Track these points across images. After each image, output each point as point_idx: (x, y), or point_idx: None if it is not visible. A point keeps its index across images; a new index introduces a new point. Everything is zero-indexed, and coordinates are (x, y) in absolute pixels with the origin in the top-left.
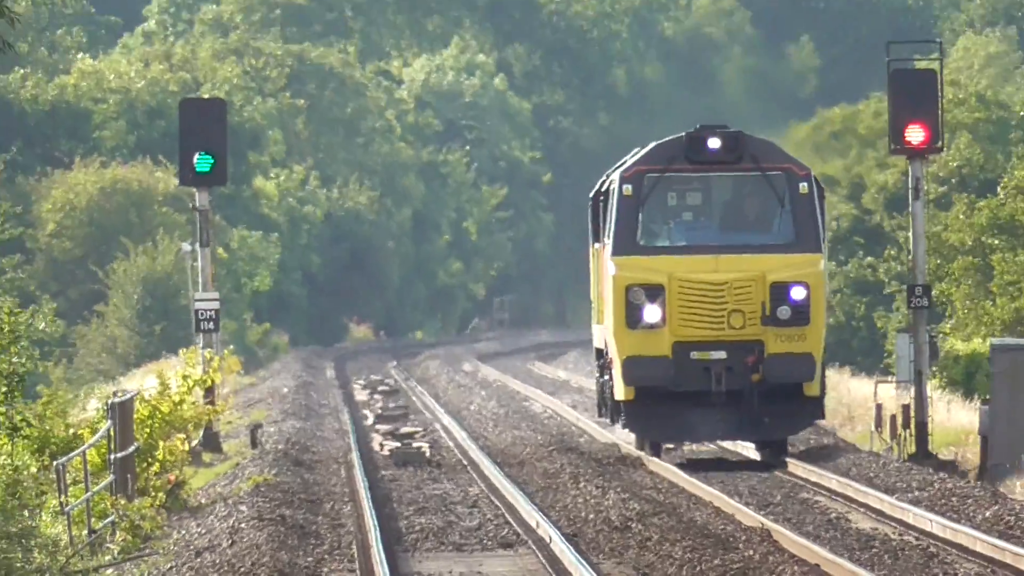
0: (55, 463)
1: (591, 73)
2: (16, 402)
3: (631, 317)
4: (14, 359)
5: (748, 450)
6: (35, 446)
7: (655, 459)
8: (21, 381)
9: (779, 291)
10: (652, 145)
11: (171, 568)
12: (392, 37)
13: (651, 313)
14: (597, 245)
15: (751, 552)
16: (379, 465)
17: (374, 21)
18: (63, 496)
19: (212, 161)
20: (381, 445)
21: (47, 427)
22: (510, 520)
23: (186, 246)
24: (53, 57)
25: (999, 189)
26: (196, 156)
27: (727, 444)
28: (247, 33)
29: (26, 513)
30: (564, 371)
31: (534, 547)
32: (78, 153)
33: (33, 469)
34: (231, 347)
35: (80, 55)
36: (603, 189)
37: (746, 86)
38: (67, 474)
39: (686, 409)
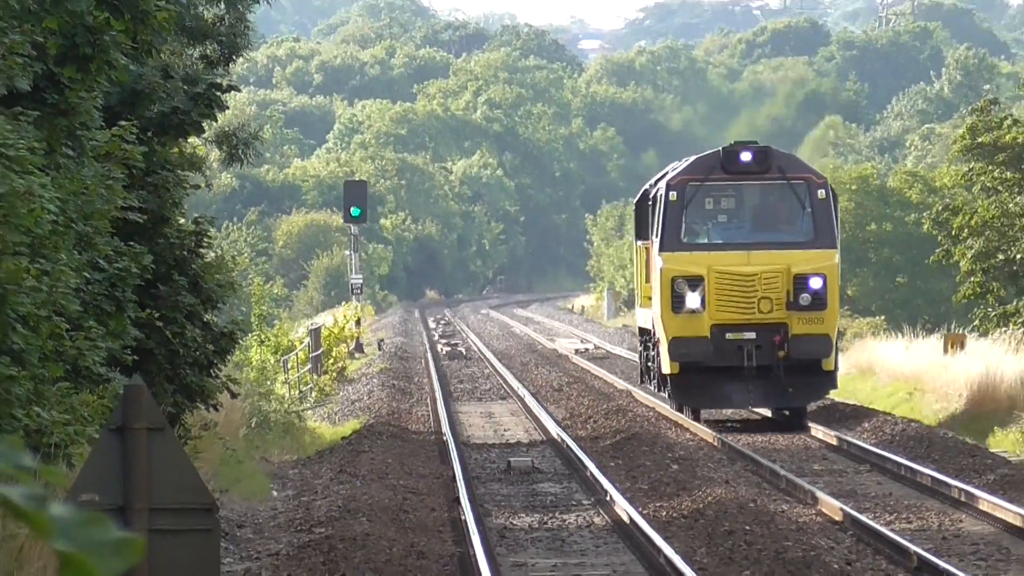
0: (282, 358)
1: (543, 168)
2: (264, 328)
3: (676, 303)
4: (263, 307)
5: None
6: (272, 349)
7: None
8: (265, 318)
9: (801, 281)
10: (692, 158)
11: (339, 409)
12: (448, 150)
13: (693, 300)
14: (640, 243)
15: (622, 401)
16: (441, 358)
17: (440, 143)
18: (286, 374)
19: (359, 211)
20: (441, 348)
21: (279, 340)
22: (504, 386)
23: (347, 252)
24: (281, 159)
25: None
26: (352, 208)
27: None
28: (376, 149)
29: (267, 382)
30: (530, 313)
31: (516, 399)
32: (294, 206)
33: (272, 361)
34: (367, 301)
35: (295, 159)
36: (650, 196)
37: (619, 177)
38: (288, 363)
39: (722, 381)
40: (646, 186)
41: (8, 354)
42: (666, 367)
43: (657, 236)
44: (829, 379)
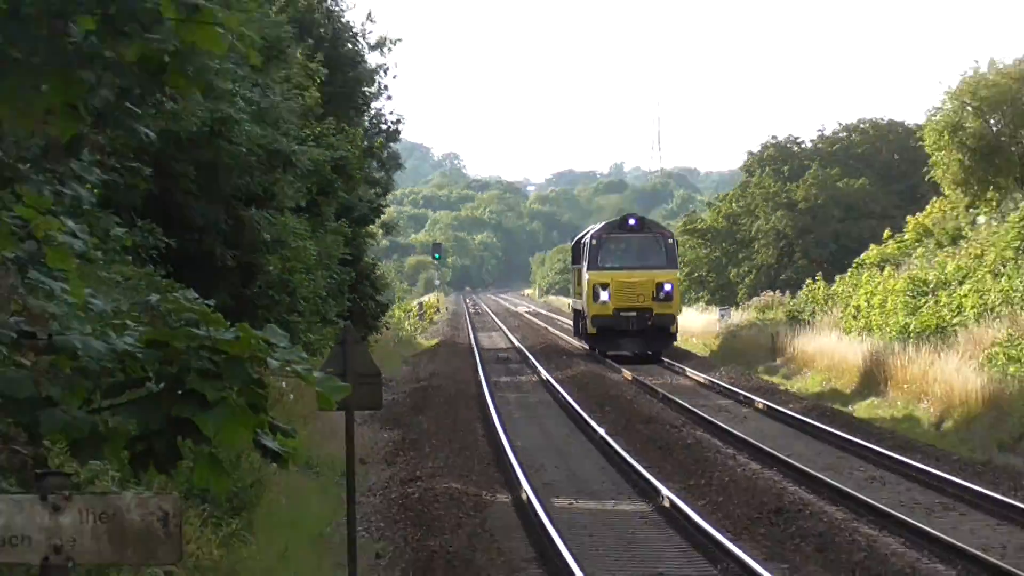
0: (407, 313)
1: (513, 238)
2: (400, 302)
3: (595, 297)
4: (399, 294)
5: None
6: (403, 310)
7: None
8: (401, 298)
9: (660, 286)
10: (604, 223)
11: (430, 335)
12: (473, 231)
13: (604, 296)
14: (573, 266)
15: (545, 333)
16: (471, 315)
17: (471, 229)
18: (409, 320)
19: (439, 256)
20: (470, 310)
21: (406, 307)
22: (496, 325)
23: (434, 271)
24: (406, 233)
25: None
26: (435, 254)
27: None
28: (444, 230)
29: (401, 324)
30: (507, 296)
31: (501, 331)
32: (412, 253)
33: (403, 315)
34: (441, 292)
35: (412, 233)
36: (580, 241)
37: (546, 244)
38: (410, 316)
39: (619, 337)
40: (577, 237)
41: (298, 313)
42: (590, 330)
43: (585, 262)
44: (672, 337)
